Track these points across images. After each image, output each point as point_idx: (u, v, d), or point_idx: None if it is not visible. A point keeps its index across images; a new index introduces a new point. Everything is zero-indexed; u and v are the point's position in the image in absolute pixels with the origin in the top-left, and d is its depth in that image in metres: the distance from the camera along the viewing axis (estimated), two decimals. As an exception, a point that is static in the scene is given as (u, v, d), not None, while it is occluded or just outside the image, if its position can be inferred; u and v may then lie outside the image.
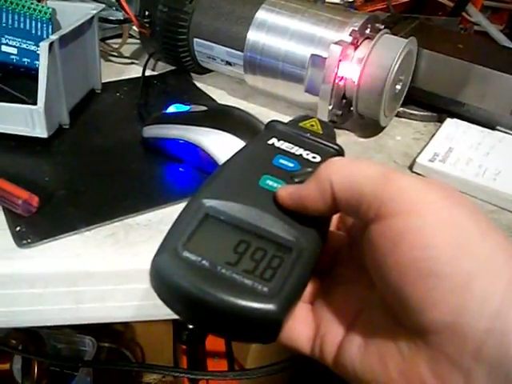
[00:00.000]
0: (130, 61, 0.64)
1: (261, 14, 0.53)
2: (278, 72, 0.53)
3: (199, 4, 0.56)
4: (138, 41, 0.65)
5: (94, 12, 0.51)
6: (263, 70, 0.54)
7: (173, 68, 0.61)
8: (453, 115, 0.55)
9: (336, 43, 0.48)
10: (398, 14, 0.73)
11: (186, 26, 0.56)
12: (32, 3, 0.52)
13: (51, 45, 0.44)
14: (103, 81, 0.56)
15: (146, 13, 0.58)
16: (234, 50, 0.54)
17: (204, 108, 0.46)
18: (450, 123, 0.54)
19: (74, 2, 0.57)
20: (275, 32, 0.52)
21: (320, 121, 0.33)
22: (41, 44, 0.43)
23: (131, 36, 0.66)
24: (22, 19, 0.51)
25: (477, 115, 0.54)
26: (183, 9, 0.56)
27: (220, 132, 0.43)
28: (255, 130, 0.44)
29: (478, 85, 0.54)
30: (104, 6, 0.55)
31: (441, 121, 0.55)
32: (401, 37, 0.53)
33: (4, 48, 0.50)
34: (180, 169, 0.45)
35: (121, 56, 0.65)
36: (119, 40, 0.65)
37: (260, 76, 0.54)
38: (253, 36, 0.53)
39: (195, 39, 0.56)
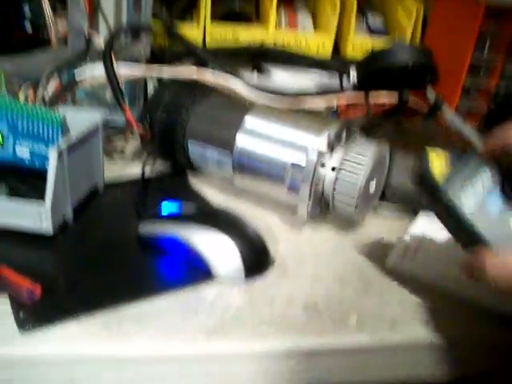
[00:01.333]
0: (130, 160, 0.70)
1: (249, 119, 0.59)
2: (263, 175, 0.58)
3: (195, 112, 0.62)
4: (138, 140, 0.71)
5: (100, 120, 0.57)
6: (250, 171, 0.59)
7: (169, 167, 0.67)
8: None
9: (313, 150, 0.54)
10: (375, 117, 0.80)
11: (182, 130, 0.62)
12: (44, 111, 0.58)
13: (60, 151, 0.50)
14: (106, 178, 0.62)
15: (147, 117, 0.64)
16: (224, 151, 0.60)
17: (194, 207, 0.52)
18: (424, 218, 0.59)
19: (81, 107, 0.64)
20: (261, 137, 0.58)
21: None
22: (50, 151, 0.49)
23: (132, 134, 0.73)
24: (34, 125, 0.57)
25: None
26: (180, 115, 0.62)
27: (208, 230, 0.48)
28: (243, 230, 0.49)
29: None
30: (108, 113, 0.61)
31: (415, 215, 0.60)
32: (375, 141, 0.59)
33: (18, 152, 0.55)
34: (171, 262, 0.50)
35: (122, 153, 0.71)
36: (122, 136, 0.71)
37: (247, 178, 0.60)
38: (241, 139, 0.59)
39: (190, 142, 0.62)
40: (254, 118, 0.60)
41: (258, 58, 0.90)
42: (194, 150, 0.63)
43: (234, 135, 0.59)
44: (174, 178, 0.66)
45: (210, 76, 0.66)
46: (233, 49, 0.89)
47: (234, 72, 0.70)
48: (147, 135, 0.64)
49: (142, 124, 0.64)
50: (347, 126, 0.59)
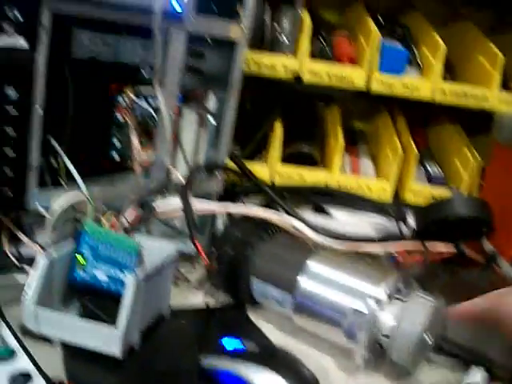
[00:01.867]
0: (193, 287, 0.74)
1: (311, 264, 0.63)
2: (323, 317, 0.61)
3: (259, 250, 0.66)
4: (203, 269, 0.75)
5: (175, 252, 0.62)
6: (309, 313, 0.62)
7: (231, 298, 0.70)
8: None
9: (372, 300, 0.57)
10: (432, 266, 0.82)
11: (247, 267, 0.66)
12: (123, 238, 0.63)
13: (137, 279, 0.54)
14: (170, 304, 0.65)
15: (215, 251, 0.69)
16: (285, 293, 0.63)
17: (254, 345, 0.55)
18: (476, 371, 0.59)
19: (154, 236, 0.69)
20: (322, 281, 0.61)
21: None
22: (128, 279, 0.53)
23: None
24: (114, 251, 0.61)
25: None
26: (246, 252, 0.66)
27: (267, 371, 0.50)
28: (300, 374, 0.51)
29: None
30: (182, 245, 0.66)
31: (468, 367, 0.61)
32: (432, 292, 0.60)
33: (97, 275, 0.60)
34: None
35: (187, 280, 0.74)
36: (187, 264, 0.75)
37: (307, 319, 0.62)
38: (303, 282, 0.62)
39: (253, 279, 0.66)
40: (317, 263, 0.63)
41: (321, 198, 0.95)
42: (257, 286, 0.66)
43: (296, 278, 0.62)
44: (235, 311, 0.69)
45: (277, 216, 0.71)
46: (298, 188, 0.95)
47: (298, 213, 0.74)
48: (214, 268, 0.68)
49: (209, 257, 0.68)
50: (406, 276, 0.61)
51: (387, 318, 0.57)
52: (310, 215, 0.85)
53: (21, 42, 0.54)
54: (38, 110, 0.59)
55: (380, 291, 0.58)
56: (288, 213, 0.73)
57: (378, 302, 0.57)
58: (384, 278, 0.60)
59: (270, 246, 0.67)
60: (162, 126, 0.71)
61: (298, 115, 1.04)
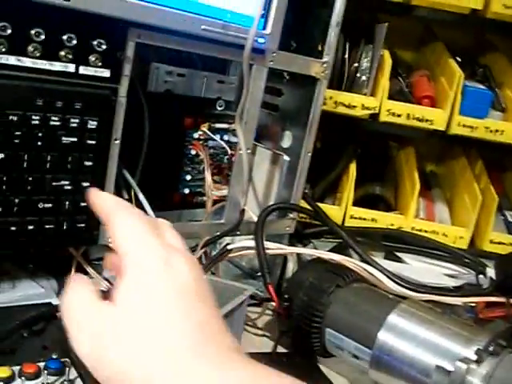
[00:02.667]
0: (262, 332, 0.70)
1: (392, 318, 0.59)
2: (403, 374, 0.56)
3: (336, 298, 0.62)
4: (271, 313, 0.72)
5: (247, 294, 0.59)
6: (388, 370, 0.57)
7: (301, 347, 0.67)
8: None
9: (461, 360, 0.52)
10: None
11: (322, 315, 0.62)
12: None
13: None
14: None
15: (286, 296, 0.65)
16: (363, 346, 0.59)
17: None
18: None
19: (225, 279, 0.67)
20: (404, 337, 0.57)
21: None
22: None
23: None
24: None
25: None
26: (321, 300, 0.62)
27: None
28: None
29: None
30: (254, 289, 0.63)
31: None
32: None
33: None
34: None
35: (255, 326, 0.71)
36: (254, 308, 0.72)
37: (384, 374, 0.58)
38: (383, 337, 0.58)
39: (327, 329, 0.62)
40: (398, 317, 0.59)
41: (393, 243, 0.91)
42: (330, 336, 0.62)
43: (376, 332, 0.58)
44: (305, 359, 0.65)
45: (353, 263, 0.67)
46: (370, 232, 0.91)
47: (374, 260, 0.71)
48: (284, 313, 0.65)
49: (280, 301, 0.64)
50: (495, 337, 0.56)
51: (477, 379, 0.52)
52: (381, 261, 0.81)
53: (105, 74, 0.54)
54: (117, 142, 0.57)
55: (469, 351, 0.53)
56: (364, 260, 0.70)
57: (467, 361, 0.52)
58: (473, 336, 0.55)
59: (346, 294, 0.63)
60: (239, 164, 0.69)
61: (370, 155, 1.00)
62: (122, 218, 0.38)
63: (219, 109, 0.79)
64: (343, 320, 0.61)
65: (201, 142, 0.74)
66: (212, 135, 0.74)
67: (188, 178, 0.75)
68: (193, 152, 0.74)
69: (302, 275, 0.66)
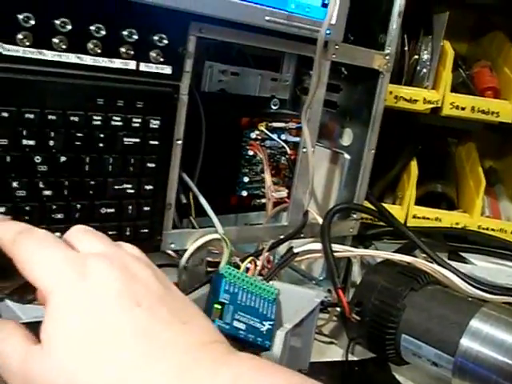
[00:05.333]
0: (329, 340, 0.67)
1: (475, 323, 0.55)
2: (491, 383, 0.52)
3: (411, 302, 0.59)
4: (336, 319, 0.68)
5: (318, 301, 0.56)
6: (474, 378, 0.53)
7: (372, 355, 0.63)
8: None
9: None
10: None
11: (396, 321, 0.58)
12: (261, 284, 0.57)
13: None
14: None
15: (356, 301, 0.62)
16: (444, 353, 0.55)
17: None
18: None
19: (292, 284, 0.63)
20: (491, 343, 0.53)
21: None
22: (278, 332, 0.48)
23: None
24: (252, 297, 0.56)
25: None
26: (396, 305, 0.59)
27: None
28: None
29: None
30: (326, 294, 0.59)
31: None
32: None
33: (236, 323, 0.54)
34: None
35: (321, 333, 0.68)
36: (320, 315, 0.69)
37: (469, 383, 0.54)
38: (466, 343, 0.54)
39: (403, 335, 0.58)
40: (481, 322, 0.55)
41: (458, 243, 0.87)
42: (407, 343, 0.58)
43: (458, 339, 0.54)
44: (378, 367, 0.62)
45: (424, 264, 0.63)
46: (432, 231, 0.87)
47: (444, 261, 0.67)
48: (354, 319, 0.61)
49: (352, 307, 0.61)
50: None
51: None
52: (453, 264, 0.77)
53: (166, 70, 0.51)
54: (179, 143, 0.54)
55: None
56: (436, 261, 0.66)
57: None
58: None
59: (421, 298, 0.59)
60: (303, 164, 0.66)
61: (429, 151, 0.96)
62: (24, 247, 0.33)
63: (274, 108, 0.76)
64: (420, 325, 0.58)
65: (258, 142, 0.71)
66: (271, 135, 0.70)
67: (246, 179, 0.72)
68: (250, 153, 0.71)
69: (372, 278, 0.63)
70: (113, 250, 0.35)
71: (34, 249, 0.33)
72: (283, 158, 0.74)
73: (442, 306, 0.58)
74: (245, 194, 0.72)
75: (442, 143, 1.02)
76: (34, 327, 0.32)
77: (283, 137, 0.73)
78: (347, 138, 0.75)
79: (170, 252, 0.61)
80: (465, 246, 0.86)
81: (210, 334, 0.32)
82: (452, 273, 0.64)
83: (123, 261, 0.33)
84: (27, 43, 0.44)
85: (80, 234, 0.36)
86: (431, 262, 0.65)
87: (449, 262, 0.79)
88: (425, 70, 0.83)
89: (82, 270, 0.31)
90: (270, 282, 0.59)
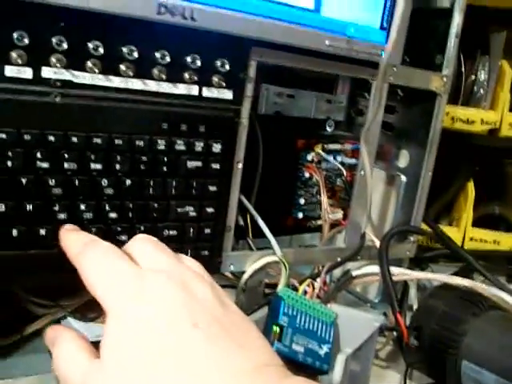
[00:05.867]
0: (385, 364, 0.66)
1: (539, 350, 0.53)
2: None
3: (473, 328, 0.58)
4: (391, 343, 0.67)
5: (377, 325, 0.55)
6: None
7: (431, 381, 0.62)
8: None
9: None
10: None
11: (457, 346, 0.57)
12: (320, 307, 0.57)
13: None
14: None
15: (415, 325, 0.61)
16: (507, 380, 0.54)
17: None
18: None
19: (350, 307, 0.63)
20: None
21: None
22: (338, 356, 0.47)
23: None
24: (311, 320, 0.56)
25: None
26: (457, 330, 0.58)
27: None
28: None
29: None
30: (384, 318, 0.59)
31: None
32: None
33: (294, 346, 0.54)
34: None
35: (377, 358, 0.67)
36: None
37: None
38: (530, 371, 0.53)
39: (464, 361, 0.57)
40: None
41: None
42: (468, 370, 0.57)
43: (522, 365, 0.53)
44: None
45: (485, 289, 0.62)
46: (491, 254, 0.85)
47: (505, 286, 0.65)
48: (413, 344, 0.60)
49: (410, 332, 0.60)
50: None
51: None
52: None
53: (228, 95, 0.52)
54: (239, 166, 0.55)
55: None
56: (497, 285, 0.64)
57: None
58: None
59: (483, 323, 0.58)
60: (361, 186, 0.65)
61: (485, 173, 0.94)
62: (88, 259, 0.34)
63: (329, 129, 0.77)
64: (482, 352, 0.56)
65: (314, 164, 0.71)
66: (327, 157, 0.71)
67: (302, 201, 0.72)
68: (306, 175, 0.71)
69: (432, 303, 0.62)
70: (174, 265, 0.35)
71: (97, 262, 0.34)
72: (339, 179, 0.74)
73: (504, 333, 0.57)
74: (300, 215, 0.73)
75: (498, 164, 1.01)
76: (96, 343, 0.33)
77: (339, 158, 0.73)
78: (404, 160, 0.74)
79: (227, 273, 0.62)
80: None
81: (267, 357, 0.32)
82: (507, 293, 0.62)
83: (183, 278, 0.34)
84: (96, 70, 0.46)
85: (143, 245, 0.37)
86: (490, 286, 0.63)
87: (509, 285, 0.78)
88: (482, 91, 0.82)
89: (141, 288, 0.32)
90: (327, 305, 0.59)
